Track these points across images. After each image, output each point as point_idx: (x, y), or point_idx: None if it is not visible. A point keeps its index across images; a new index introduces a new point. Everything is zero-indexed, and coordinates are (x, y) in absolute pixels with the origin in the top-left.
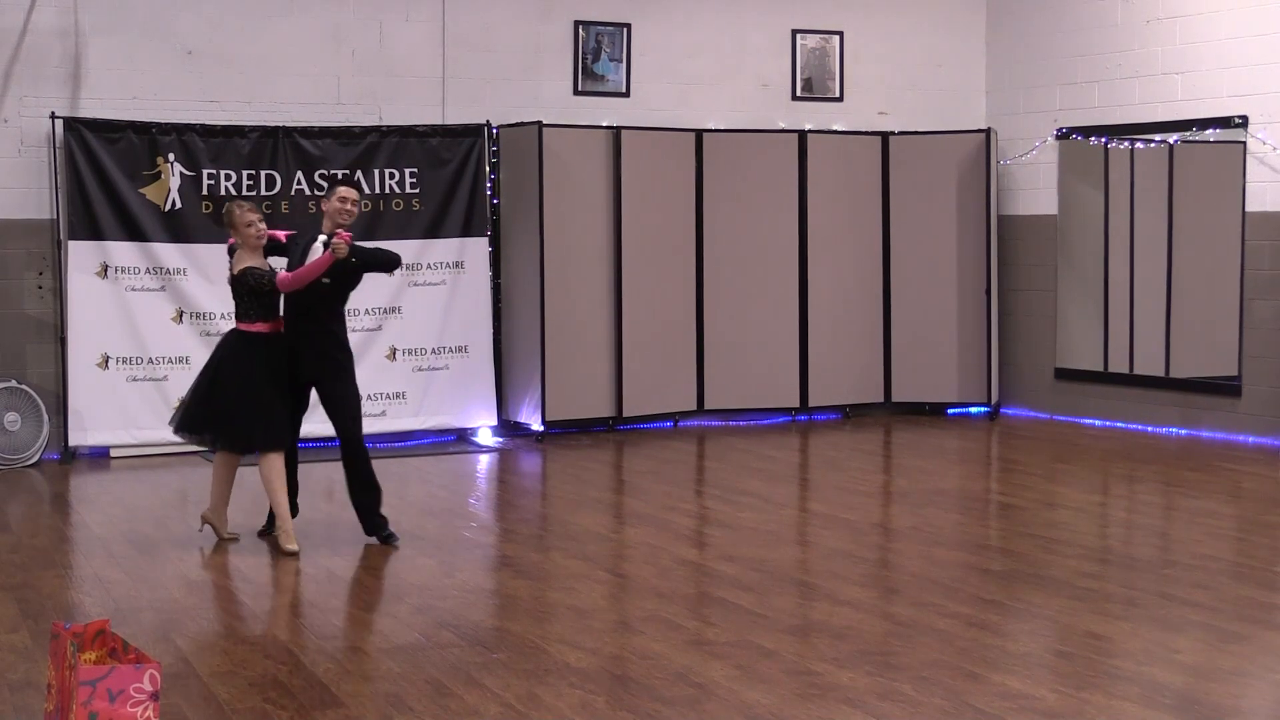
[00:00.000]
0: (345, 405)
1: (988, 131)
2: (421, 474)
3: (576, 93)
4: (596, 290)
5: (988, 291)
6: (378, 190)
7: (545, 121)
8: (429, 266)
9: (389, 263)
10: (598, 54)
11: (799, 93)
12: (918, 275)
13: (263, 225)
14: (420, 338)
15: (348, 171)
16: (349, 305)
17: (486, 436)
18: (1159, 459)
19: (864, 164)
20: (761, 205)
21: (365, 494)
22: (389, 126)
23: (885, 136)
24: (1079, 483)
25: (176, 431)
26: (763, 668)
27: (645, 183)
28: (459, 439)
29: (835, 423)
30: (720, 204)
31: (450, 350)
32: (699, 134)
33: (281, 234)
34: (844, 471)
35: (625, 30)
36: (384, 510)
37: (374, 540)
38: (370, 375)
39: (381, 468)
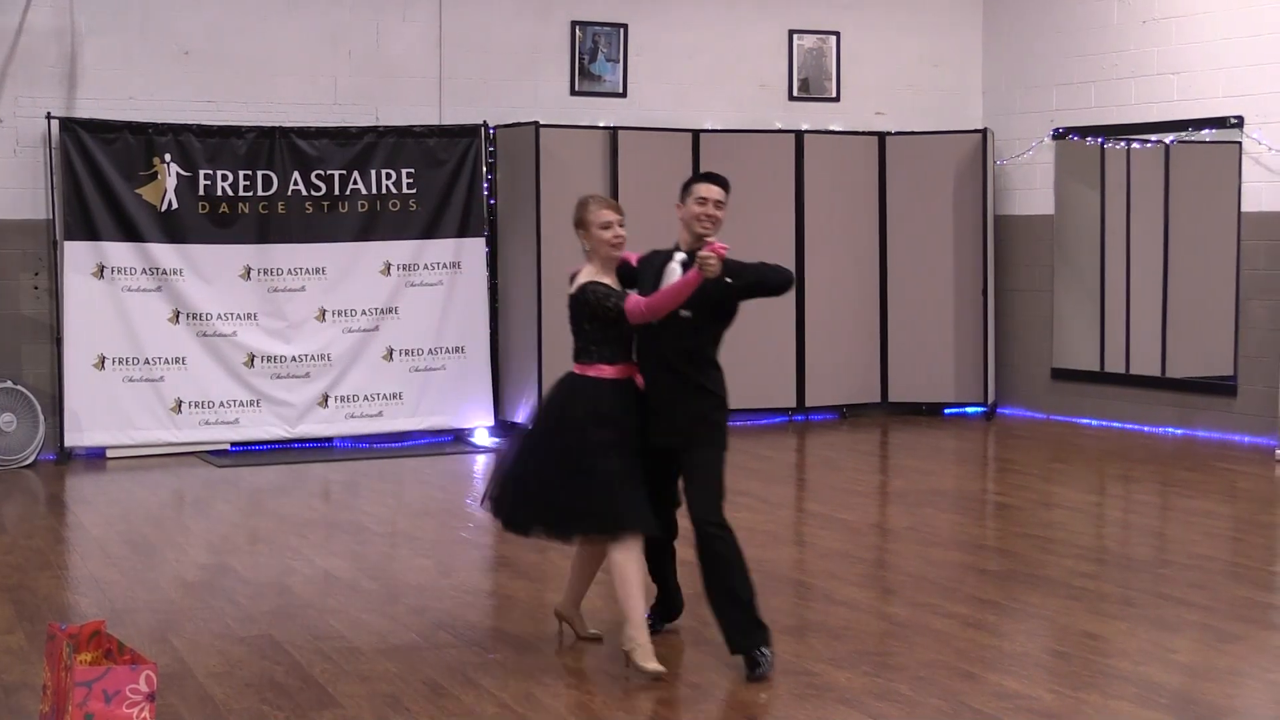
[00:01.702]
0: (709, 478)
1: (984, 132)
2: (418, 474)
3: (573, 93)
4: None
5: (984, 291)
6: (374, 191)
7: (542, 122)
8: (426, 267)
9: (778, 284)
10: (594, 54)
11: (796, 93)
12: (914, 275)
13: (623, 230)
14: (417, 338)
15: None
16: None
17: (483, 437)
18: (1155, 459)
19: (861, 164)
20: (758, 205)
21: (730, 605)
22: (385, 127)
23: (882, 137)
24: (1075, 483)
25: (504, 521)
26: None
27: (642, 183)
28: (456, 439)
29: (832, 423)
30: None
31: (447, 351)
32: (696, 134)
33: (632, 256)
34: (841, 471)
35: (622, 30)
36: (384, 509)
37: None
38: (367, 376)
39: (378, 468)
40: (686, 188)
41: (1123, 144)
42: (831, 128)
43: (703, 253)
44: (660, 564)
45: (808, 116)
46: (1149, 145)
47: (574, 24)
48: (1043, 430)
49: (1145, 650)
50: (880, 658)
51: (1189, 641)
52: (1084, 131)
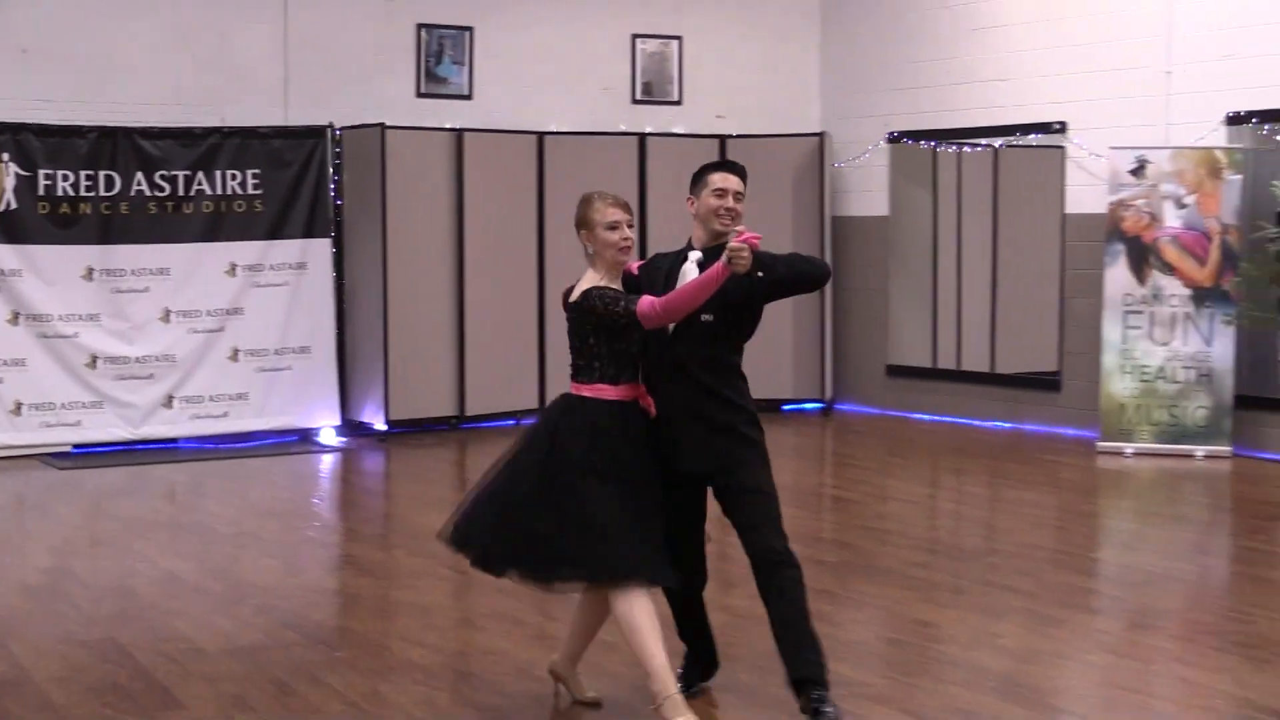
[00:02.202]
0: (766, 501)
1: (821, 135)
2: (264, 475)
3: (419, 95)
4: (440, 291)
5: (822, 291)
6: (219, 191)
7: (388, 124)
8: (271, 268)
9: (815, 277)
10: (440, 57)
11: (639, 96)
12: None
13: (632, 232)
14: (262, 339)
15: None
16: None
17: (330, 436)
18: (985, 452)
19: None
20: None
21: (800, 644)
22: (230, 128)
23: (723, 139)
24: (910, 476)
25: (467, 555)
26: (602, 660)
27: (488, 184)
28: (302, 439)
29: None
30: (562, 205)
31: (293, 351)
32: (541, 136)
33: (633, 265)
34: None
35: (468, 34)
36: (230, 510)
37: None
38: (212, 376)
39: (224, 469)
40: (699, 178)
41: (954, 148)
42: (674, 130)
43: (733, 243)
44: (689, 617)
45: (651, 119)
46: (978, 149)
47: (420, 26)
48: (878, 425)
49: (974, 636)
50: (721, 648)
51: (1015, 627)
52: (917, 135)
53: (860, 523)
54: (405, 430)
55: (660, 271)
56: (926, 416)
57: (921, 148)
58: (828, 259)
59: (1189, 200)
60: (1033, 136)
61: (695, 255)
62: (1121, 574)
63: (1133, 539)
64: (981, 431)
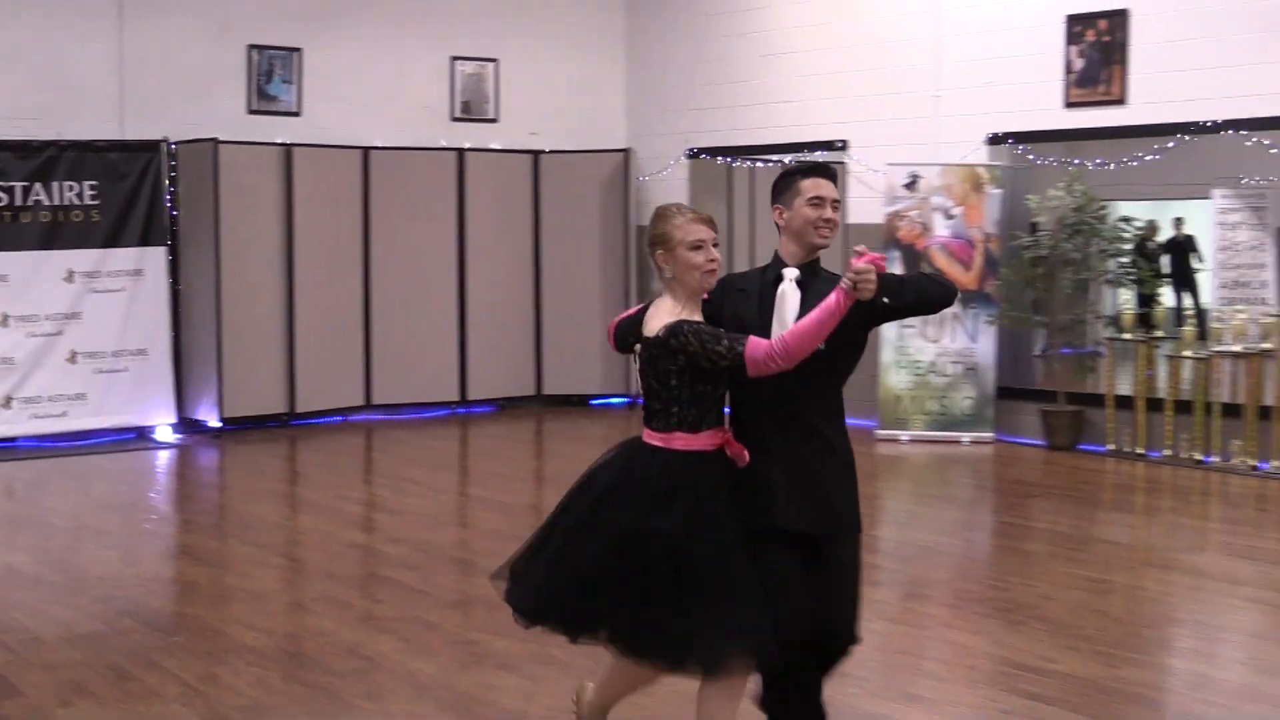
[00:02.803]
0: (854, 580)
1: (626, 151)
2: (103, 471)
3: (250, 112)
4: (271, 296)
5: (625, 295)
6: (57, 202)
7: (221, 138)
8: (109, 274)
9: (941, 300)
10: (270, 76)
11: (458, 114)
12: (565, 281)
13: (718, 252)
14: (100, 341)
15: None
16: None
17: (166, 434)
18: None
19: (517, 180)
20: (424, 217)
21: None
22: (67, 141)
23: (536, 155)
24: None
25: (527, 616)
26: (427, 639)
27: (316, 196)
28: (139, 437)
29: (492, 414)
30: (386, 216)
31: (130, 353)
32: (366, 151)
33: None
34: (500, 458)
35: (297, 55)
36: (69, 505)
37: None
38: (51, 378)
39: (63, 466)
40: (787, 185)
41: (748, 163)
42: (491, 146)
43: (857, 264)
44: (791, 705)
45: (469, 136)
46: (770, 164)
47: (250, 47)
48: None
49: None
50: None
51: None
52: (714, 152)
53: None
54: (238, 427)
55: (747, 296)
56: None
57: (718, 163)
58: (631, 267)
59: (956, 212)
60: (818, 153)
61: (792, 274)
62: (898, 549)
63: (908, 517)
64: None
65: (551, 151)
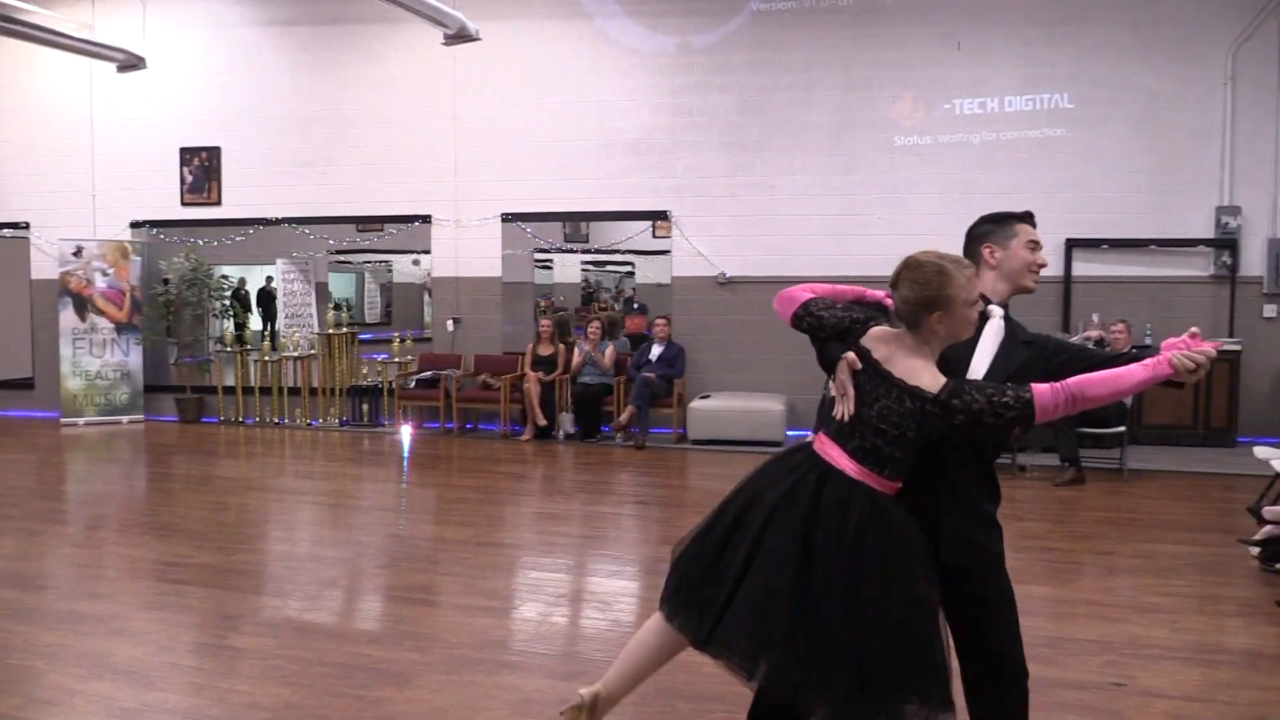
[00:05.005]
0: (1008, 621)
1: None
2: None
3: None
4: None
5: None
6: None
7: None
8: None
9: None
10: None
11: None
12: None
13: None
14: None
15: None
16: None
17: None
18: None
19: None
20: None
21: None
22: None
23: None
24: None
25: (764, 680)
26: None
27: None
28: None
29: None
30: None
31: None
32: None
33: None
34: None
35: None
36: None
37: None
38: None
39: None
40: (1005, 225)
41: None
42: None
43: (1194, 354)
44: None
45: None
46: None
47: None
48: None
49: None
50: None
51: (10, 541)
52: None
53: None
54: None
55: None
56: None
57: None
58: None
59: (110, 271)
60: (4, 232)
61: (998, 311)
62: (79, 497)
63: (86, 475)
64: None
65: None
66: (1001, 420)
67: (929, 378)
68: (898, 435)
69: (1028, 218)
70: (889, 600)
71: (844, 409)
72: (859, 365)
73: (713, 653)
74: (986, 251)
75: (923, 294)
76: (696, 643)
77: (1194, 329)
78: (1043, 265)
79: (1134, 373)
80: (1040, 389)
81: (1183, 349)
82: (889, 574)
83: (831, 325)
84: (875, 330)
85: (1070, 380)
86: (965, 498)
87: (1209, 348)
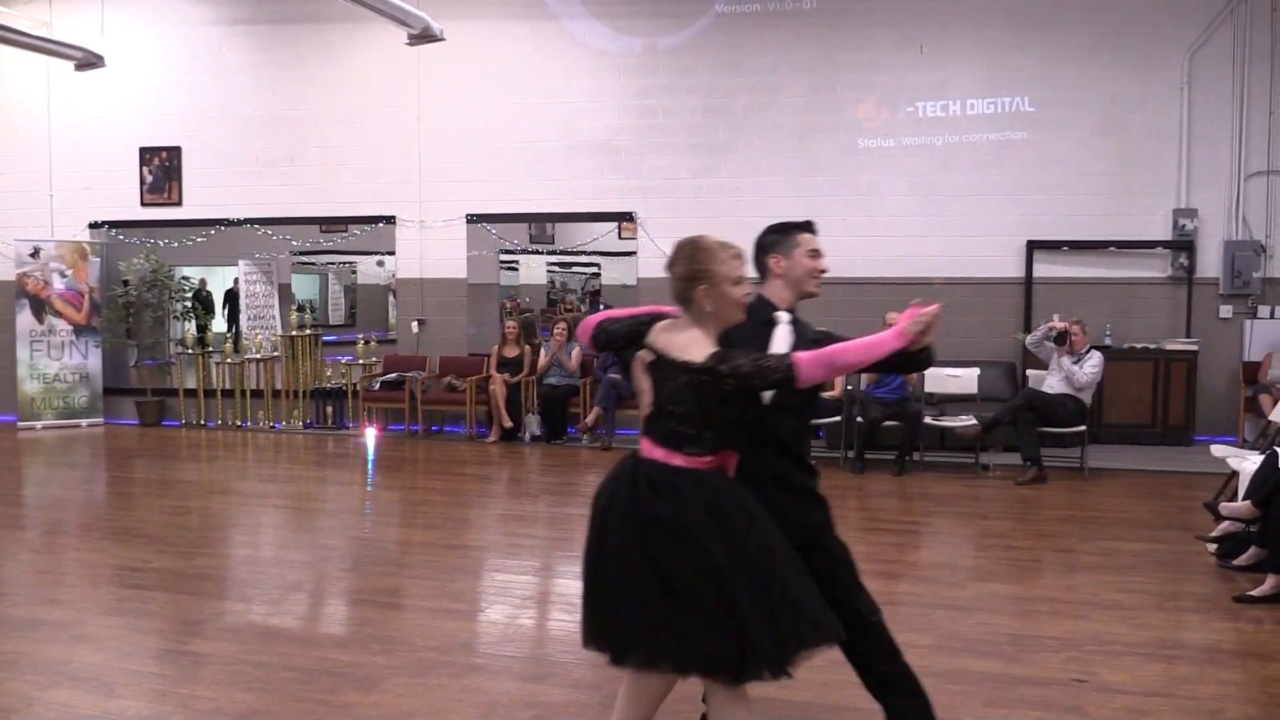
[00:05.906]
0: (847, 577)
1: None
2: None
3: None
4: None
5: None
6: None
7: None
8: None
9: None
10: None
11: None
12: None
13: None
14: None
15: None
16: None
17: None
18: None
19: None
20: None
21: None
22: None
23: None
24: None
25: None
26: None
27: None
28: None
29: None
30: None
31: None
32: None
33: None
34: None
35: None
36: None
37: None
38: None
39: None
40: (787, 236)
41: None
42: None
43: (923, 316)
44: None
45: None
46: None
47: None
48: None
49: None
50: None
51: None
52: None
53: None
54: None
55: (742, 338)
56: None
57: None
58: None
59: (69, 273)
60: None
61: (785, 316)
62: (39, 500)
63: (44, 480)
64: None
65: None
66: (767, 382)
67: (698, 350)
68: (684, 412)
69: (809, 227)
70: (743, 555)
71: (642, 402)
72: (650, 358)
73: (629, 665)
74: (773, 261)
75: (689, 268)
76: (613, 661)
77: (916, 300)
78: (824, 271)
79: (884, 340)
80: (801, 354)
81: (912, 317)
82: (730, 530)
83: (622, 334)
84: (658, 325)
85: (828, 347)
86: (782, 479)
87: (931, 309)
